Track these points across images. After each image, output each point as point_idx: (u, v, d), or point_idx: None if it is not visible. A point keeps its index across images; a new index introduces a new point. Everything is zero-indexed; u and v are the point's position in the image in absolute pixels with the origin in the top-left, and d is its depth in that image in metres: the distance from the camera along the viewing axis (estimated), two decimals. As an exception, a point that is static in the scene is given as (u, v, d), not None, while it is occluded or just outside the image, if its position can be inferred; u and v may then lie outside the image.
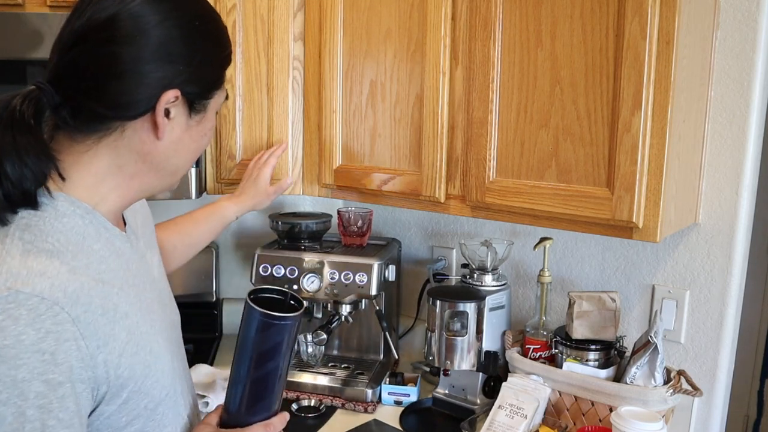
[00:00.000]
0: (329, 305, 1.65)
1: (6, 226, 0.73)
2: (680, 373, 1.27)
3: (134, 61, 0.75)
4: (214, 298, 2.00)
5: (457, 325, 1.45)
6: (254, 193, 1.50)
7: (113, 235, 0.82)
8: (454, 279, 1.65)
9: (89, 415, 0.74)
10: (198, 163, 1.56)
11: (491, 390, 1.50)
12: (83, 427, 0.72)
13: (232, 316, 2.04)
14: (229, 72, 1.20)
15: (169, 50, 0.77)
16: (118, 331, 0.75)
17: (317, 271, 1.59)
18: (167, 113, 0.79)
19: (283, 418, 0.94)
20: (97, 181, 0.80)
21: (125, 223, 0.90)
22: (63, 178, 0.78)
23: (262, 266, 1.62)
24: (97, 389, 0.73)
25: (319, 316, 1.68)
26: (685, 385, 1.24)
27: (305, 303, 0.93)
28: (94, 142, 0.79)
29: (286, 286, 1.60)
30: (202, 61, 0.81)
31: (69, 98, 0.76)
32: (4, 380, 0.65)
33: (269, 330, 0.87)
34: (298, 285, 1.59)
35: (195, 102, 0.83)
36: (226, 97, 0.91)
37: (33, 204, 0.75)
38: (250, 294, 0.89)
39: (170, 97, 0.78)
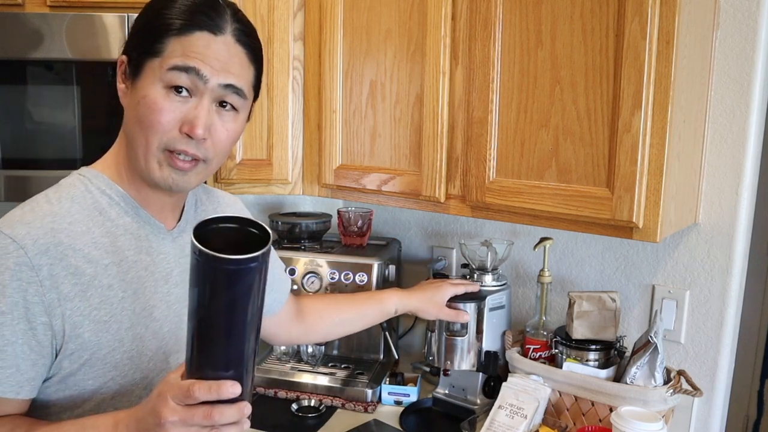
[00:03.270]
0: (329, 305, 1.65)
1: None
2: (680, 373, 1.27)
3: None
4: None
5: (457, 325, 1.45)
6: (427, 298, 1.40)
7: (146, 223, 0.92)
8: (454, 279, 1.64)
9: (52, 369, 0.84)
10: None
11: (491, 390, 1.50)
12: (23, 360, 0.80)
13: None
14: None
15: (135, 21, 0.90)
16: (90, 295, 0.84)
17: (317, 271, 1.59)
18: (122, 80, 0.89)
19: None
20: (116, 156, 0.92)
21: (180, 220, 0.98)
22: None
23: (262, 266, 1.62)
24: (54, 338, 0.82)
25: (319, 316, 1.68)
26: (685, 385, 1.24)
27: (270, 235, 0.71)
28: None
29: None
30: (139, 27, 0.88)
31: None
32: None
33: (220, 275, 0.66)
34: (298, 285, 1.59)
35: (131, 68, 0.87)
36: (185, 70, 0.83)
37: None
38: (195, 228, 0.68)
39: (120, 61, 0.89)
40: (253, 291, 0.69)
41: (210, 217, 0.70)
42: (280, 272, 1.24)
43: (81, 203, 0.88)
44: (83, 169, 0.92)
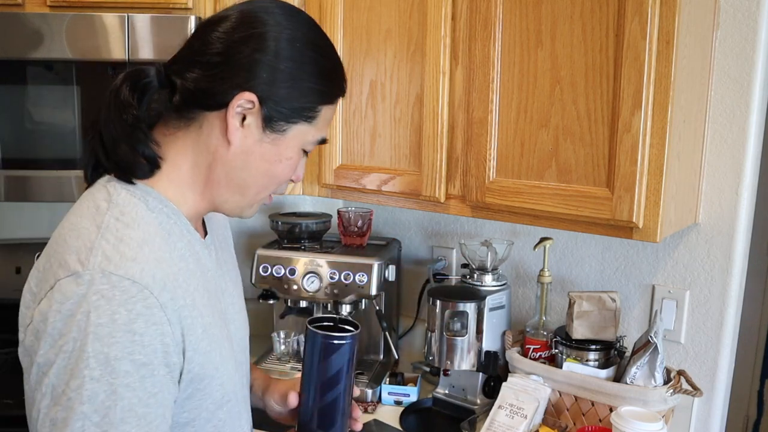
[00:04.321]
0: (329, 305, 1.65)
1: (101, 206, 0.77)
2: (680, 373, 1.27)
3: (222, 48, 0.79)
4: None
5: (457, 325, 1.45)
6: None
7: (195, 239, 0.85)
8: (454, 279, 1.65)
9: None
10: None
11: (491, 390, 1.50)
12: (167, 408, 0.73)
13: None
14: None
15: (266, 53, 0.79)
16: (196, 325, 0.77)
17: (317, 271, 1.59)
18: (243, 119, 0.79)
19: None
20: (179, 176, 0.83)
21: (206, 232, 0.93)
22: (158, 166, 0.81)
23: (262, 266, 1.62)
24: (180, 377, 0.75)
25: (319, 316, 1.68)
26: (685, 385, 1.24)
27: (359, 325, 0.94)
28: (181, 131, 0.81)
29: (286, 286, 1.60)
30: (293, 82, 0.80)
31: (174, 74, 0.80)
32: (98, 357, 0.67)
33: (333, 353, 0.89)
34: (298, 285, 1.59)
35: (272, 118, 0.80)
36: (323, 142, 0.88)
37: (132, 174, 0.80)
38: (309, 322, 0.92)
39: (245, 98, 0.77)
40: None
41: (316, 316, 0.95)
42: None
43: (153, 226, 0.78)
44: (127, 185, 0.80)
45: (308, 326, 0.91)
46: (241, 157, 0.81)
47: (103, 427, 0.67)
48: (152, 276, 0.72)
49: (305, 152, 0.87)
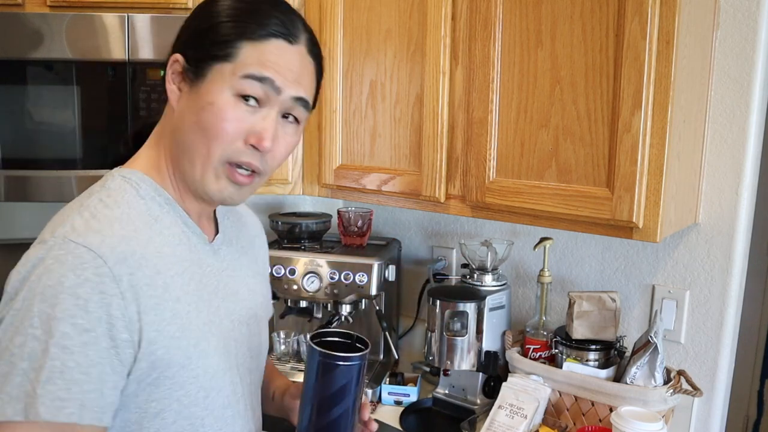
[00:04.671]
0: (329, 305, 1.65)
1: (93, 190, 0.83)
2: (680, 373, 1.27)
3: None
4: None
5: (457, 325, 1.45)
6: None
7: (193, 232, 0.87)
8: (454, 279, 1.65)
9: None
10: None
11: (491, 390, 1.50)
12: (105, 382, 0.73)
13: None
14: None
15: (189, 18, 0.85)
16: (163, 308, 0.78)
17: (317, 271, 1.59)
18: (178, 82, 0.83)
19: None
20: (159, 161, 0.86)
21: (217, 231, 0.94)
22: (130, 151, 0.88)
23: (262, 266, 1.62)
24: (134, 356, 0.75)
25: (319, 316, 1.68)
26: (685, 385, 1.24)
27: (369, 344, 0.89)
28: (160, 120, 0.88)
29: (286, 286, 1.60)
30: (206, 25, 0.82)
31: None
32: (41, 316, 0.70)
33: (332, 372, 0.82)
34: (298, 285, 1.59)
35: (192, 67, 0.81)
36: (261, 80, 0.80)
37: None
38: (313, 338, 0.85)
39: (173, 60, 0.83)
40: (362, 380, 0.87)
41: (318, 331, 0.86)
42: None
43: (137, 209, 0.81)
44: (125, 171, 0.85)
45: (310, 341, 0.85)
46: (179, 119, 0.83)
47: (34, 384, 0.69)
48: (111, 248, 0.74)
49: (246, 100, 0.80)
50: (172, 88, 0.83)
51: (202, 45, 0.81)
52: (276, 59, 0.80)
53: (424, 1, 1.36)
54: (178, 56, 0.82)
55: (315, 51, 0.86)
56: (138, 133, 0.92)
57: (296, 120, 0.86)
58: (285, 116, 0.84)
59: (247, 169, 0.83)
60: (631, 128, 1.08)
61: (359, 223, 1.71)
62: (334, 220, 1.77)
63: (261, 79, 0.80)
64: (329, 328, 0.88)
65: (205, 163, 0.81)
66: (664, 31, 1.04)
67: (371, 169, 1.50)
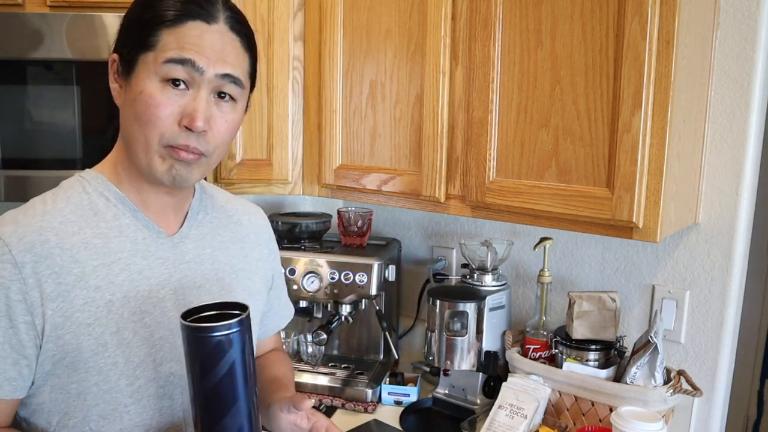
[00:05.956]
0: (329, 305, 1.65)
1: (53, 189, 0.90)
2: (680, 373, 1.27)
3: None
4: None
5: (457, 325, 1.45)
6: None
7: (144, 226, 0.90)
8: (454, 279, 1.65)
9: (37, 370, 0.83)
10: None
11: (491, 390, 1.50)
12: (5, 358, 0.80)
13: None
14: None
15: (124, 17, 0.88)
16: (75, 296, 0.82)
17: (317, 271, 1.59)
18: (116, 79, 0.87)
19: None
20: (114, 157, 0.92)
21: (183, 225, 0.96)
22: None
23: (262, 266, 1.62)
24: (39, 338, 0.81)
25: (319, 316, 1.68)
26: (685, 385, 1.24)
27: (247, 309, 0.79)
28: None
29: (289, 287, 1.60)
30: (129, 22, 0.86)
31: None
32: None
33: (201, 344, 0.75)
34: (298, 285, 1.59)
35: (124, 64, 0.86)
36: (182, 62, 0.82)
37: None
38: (186, 312, 0.78)
39: (111, 60, 0.87)
40: (246, 353, 0.77)
41: (191, 307, 0.78)
42: (287, 300, 1.21)
43: (76, 204, 0.87)
44: (84, 171, 0.92)
45: (180, 319, 0.76)
46: (122, 114, 0.88)
47: None
48: (20, 238, 0.80)
49: (175, 84, 0.82)
50: (114, 86, 0.88)
51: (129, 39, 0.85)
52: (195, 41, 0.83)
53: (424, 1, 1.36)
54: (114, 55, 0.87)
55: (237, 28, 0.88)
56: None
57: (232, 98, 0.88)
58: (221, 96, 0.87)
59: (187, 154, 0.85)
60: (631, 128, 1.08)
61: (359, 223, 1.71)
62: (334, 220, 1.77)
63: (182, 62, 0.82)
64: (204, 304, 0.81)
65: (147, 150, 0.85)
66: (664, 31, 1.04)
67: (371, 169, 1.50)
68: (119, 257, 0.87)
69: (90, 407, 0.85)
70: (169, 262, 0.91)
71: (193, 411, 0.78)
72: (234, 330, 0.75)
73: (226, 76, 0.85)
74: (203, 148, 0.86)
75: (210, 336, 0.74)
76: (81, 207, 0.87)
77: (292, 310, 1.23)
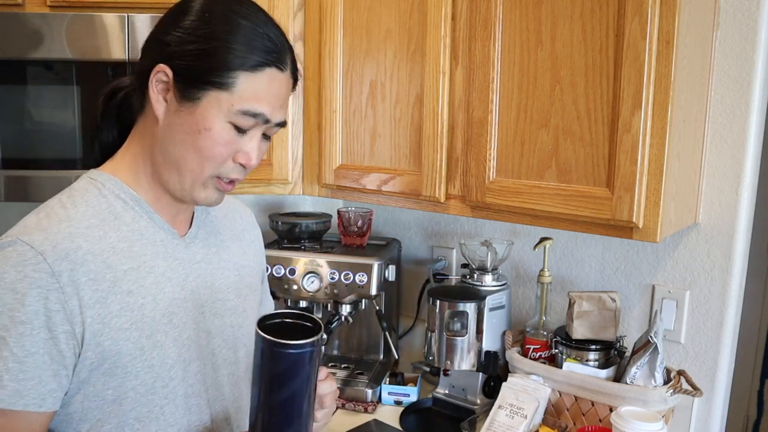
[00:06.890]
0: (329, 305, 1.65)
1: (62, 192, 0.88)
2: (680, 373, 1.27)
3: (153, 30, 0.86)
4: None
5: (457, 325, 1.45)
6: None
7: (160, 228, 0.90)
8: (454, 279, 1.65)
9: (72, 379, 0.81)
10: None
11: (491, 390, 1.50)
12: (44, 371, 0.78)
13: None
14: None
15: (173, 24, 0.84)
16: (110, 302, 0.82)
17: (317, 271, 1.59)
18: (167, 93, 0.84)
19: None
20: (134, 162, 0.89)
21: (191, 225, 0.96)
22: (108, 154, 0.92)
23: (262, 266, 1.62)
24: (79, 347, 0.80)
25: (319, 316, 1.68)
26: (685, 385, 1.24)
27: (321, 326, 0.82)
28: (140, 119, 0.89)
29: (286, 286, 1.60)
30: (200, 47, 0.82)
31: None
32: None
33: (277, 358, 0.78)
34: (298, 285, 1.59)
35: (185, 86, 0.82)
36: (266, 122, 0.85)
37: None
38: (260, 321, 0.80)
39: (160, 70, 0.83)
40: (316, 370, 0.81)
41: (267, 313, 0.81)
42: (270, 305, 1.21)
43: (96, 207, 0.86)
44: (93, 173, 0.90)
45: (256, 326, 0.79)
46: (167, 131, 0.85)
47: None
48: (53, 245, 0.78)
49: (239, 129, 0.84)
50: (157, 98, 0.84)
51: (198, 68, 0.82)
52: (268, 90, 0.84)
53: (424, 1, 1.36)
54: (165, 68, 0.82)
55: (295, 71, 0.89)
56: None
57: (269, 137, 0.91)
58: (267, 137, 0.90)
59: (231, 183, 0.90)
60: (631, 128, 1.08)
61: (359, 223, 1.71)
62: (334, 220, 1.77)
63: (255, 115, 0.84)
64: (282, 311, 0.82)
65: (196, 178, 0.86)
66: (664, 31, 1.04)
67: (371, 169, 1.50)
68: (144, 260, 0.87)
69: (126, 412, 0.84)
70: (185, 262, 0.92)
71: (255, 418, 0.81)
72: (311, 349, 0.78)
73: (279, 123, 0.88)
74: (242, 177, 0.90)
75: (289, 352, 0.76)
76: (101, 210, 0.86)
77: (272, 302, 1.25)
